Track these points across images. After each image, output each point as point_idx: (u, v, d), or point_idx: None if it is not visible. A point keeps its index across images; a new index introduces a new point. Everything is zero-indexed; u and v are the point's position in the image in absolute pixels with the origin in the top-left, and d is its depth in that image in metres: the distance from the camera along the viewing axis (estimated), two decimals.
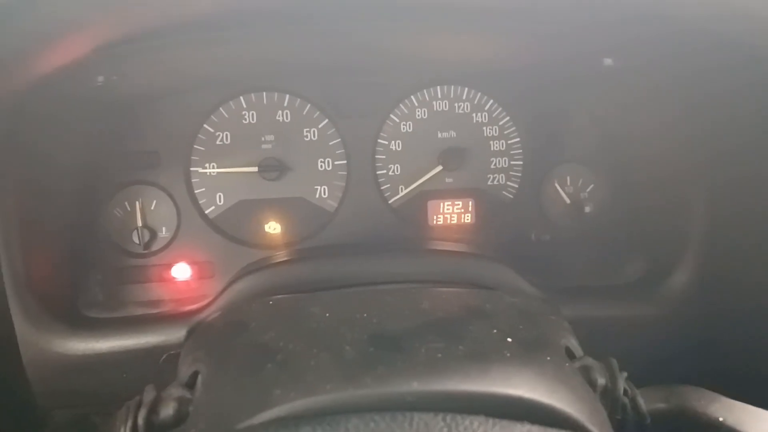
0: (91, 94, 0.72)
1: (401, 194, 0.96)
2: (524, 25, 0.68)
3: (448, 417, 0.41)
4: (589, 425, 0.46)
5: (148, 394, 0.53)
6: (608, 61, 0.72)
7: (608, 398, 0.54)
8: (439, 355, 0.48)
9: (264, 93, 0.92)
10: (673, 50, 0.65)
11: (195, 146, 0.91)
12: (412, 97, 0.95)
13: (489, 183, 0.97)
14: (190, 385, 0.54)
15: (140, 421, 0.51)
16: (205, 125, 0.91)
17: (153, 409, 0.52)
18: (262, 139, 0.92)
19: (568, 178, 0.96)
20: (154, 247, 0.90)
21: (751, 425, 0.50)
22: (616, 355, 0.57)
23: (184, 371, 0.56)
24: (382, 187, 0.96)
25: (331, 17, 0.74)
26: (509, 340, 0.52)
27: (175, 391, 0.53)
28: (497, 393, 0.44)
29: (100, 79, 0.68)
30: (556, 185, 0.96)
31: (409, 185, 0.96)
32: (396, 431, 0.39)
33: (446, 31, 0.75)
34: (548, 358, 0.51)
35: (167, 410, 0.51)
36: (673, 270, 0.81)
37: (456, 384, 0.45)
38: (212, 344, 0.57)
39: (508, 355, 0.49)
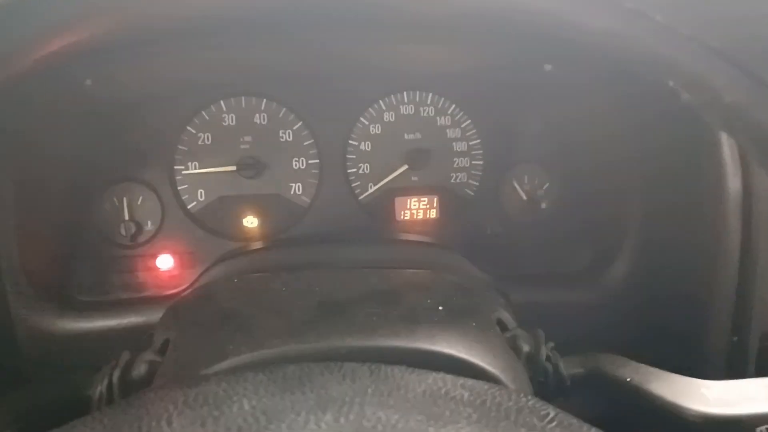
0: (81, 96, 0.80)
1: (370, 191, 1.03)
2: (472, 35, 0.75)
3: (373, 366, 0.47)
4: (502, 377, 0.53)
5: (123, 358, 0.60)
6: (548, 67, 0.79)
7: (532, 363, 0.61)
8: (374, 318, 0.55)
9: (243, 97, 0.99)
10: (595, 59, 0.72)
11: (179, 146, 0.98)
12: (380, 101, 1.02)
13: (452, 181, 1.04)
14: (162, 351, 0.61)
15: (114, 379, 0.58)
16: (187, 127, 0.98)
17: (126, 370, 0.59)
18: (241, 139, 1.00)
19: (526, 177, 1.03)
20: (140, 239, 0.97)
21: (653, 383, 0.57)
22: (560, 336, 0.64)
23: (157, 340, 0.63)
24: (353, 185, 1.03)
25: (306, 29, 0.82)
26: (440, 308, 0.59)
27: (147, 355, 0.60)
28: (419, 348, 0.51)
29: (89, 82, 0.76)
30: (514, 183, 1.03)
31: (378, 183, 1.03)
32: (326, 376, 0.45)
33: (408, 40, 0.83)
34: (474, 324, 0.58)
35: (139, 371, 0.58)
36: (613, 260, 0.88)
37: (384, 341, 0.52)
38: (181, 315, 0.65)
39: (436, 319, 0.56)
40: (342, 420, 0.39)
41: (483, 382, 0.47)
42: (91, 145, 0.92)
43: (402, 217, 1.04)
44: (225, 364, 0.50)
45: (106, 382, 0.58)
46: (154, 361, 0.59)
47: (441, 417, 0.40)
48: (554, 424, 0.43)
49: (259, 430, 0.37)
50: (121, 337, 0.85)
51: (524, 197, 1.02)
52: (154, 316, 0.84)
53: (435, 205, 1.04)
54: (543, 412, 0.44)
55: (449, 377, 0.47)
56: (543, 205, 1.02)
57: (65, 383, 0.61)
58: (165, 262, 0.98)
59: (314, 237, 0.98)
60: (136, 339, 0.80)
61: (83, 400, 0.59)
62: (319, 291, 0.62)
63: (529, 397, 0.46)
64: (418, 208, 1.04)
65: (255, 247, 0.92)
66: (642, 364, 0.60)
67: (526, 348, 0.61)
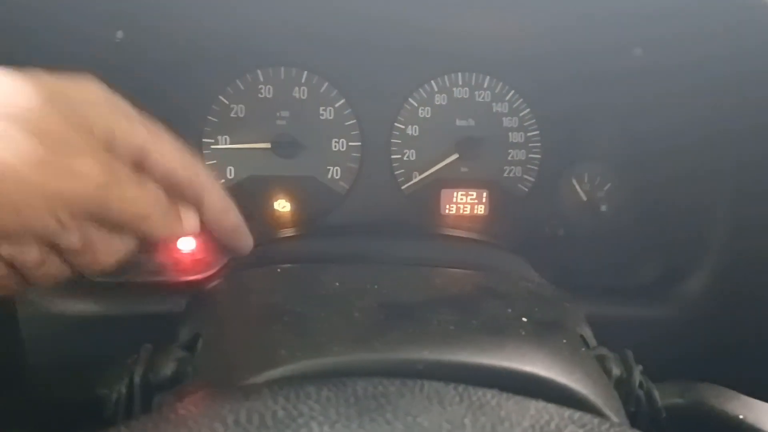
0: (109, 49, 0.71)
1: (415, 180, 0.94)
2: (557, 7, 0.66)
3: (461, 387, 0.39)
4: (605, 409, 0.44)
5: (145, 353, 0.51)
6: (638, 51, 0.70)
7: (623, 390, 0.52)
8: (452, 327, 0.46)
9: (282, 68, 0.90)
10: (705, 41, 0.63)
11: (209, 117, 0.90)
12: (432, 82, 0.93)
13: (505, 175, 0.95)
14: (190, 348, 0.52)
15: (137, 378, 0.49)
16: (220, 97, 0.90)
17: (150, 368, 0.50)
18: (277, 114, 0.91)
19: (586, 175, 0.94)
20: None
21: None
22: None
23: (184, 333, 0.55)
24: (396, 172, 0.94)
25: None
26: (524, 319, 0.50)
27: (175, 351, 0.51)
28: (511, 368, 0.43)
29: (120, 34, 0.67)
30: (573, 182, 0.94)
31: (424, 172, 0.94)
32: (408, 397, 0.37)
33: (474, 9, 0.74)
34: (564, 341, 0.49)
35: (165, 369, 0.49)
36: (689, 274, 0.79)
37: (469, 356, 0.43)
38: (215, 306, 0.56)
39: (523, 333, 0.47)
40: None
41: (591, 416, 0.39)
42: None
43: (447, 210, 0.95)
44: (277, 373, 0.41)
45: (126, 381, 0.49)
46: (183, 359, 0.50)
47: None
48: None
49: None
50: (134, 325, 0.77)
51: (584, 198, 0.93)
52: (171, 303, 0.75)
53: (484, 200, 0.95)
54: None
55: (552, 408, 0.38)
56: (603, 208, 0.93)
57: (75, 379, 0.52)
58: (186, 243, 0.89)
59: (354, 227, 0.89)
60: (152, 329, 0.72)
61: (97, 400, 0.51)
62: (378, 289, 0.53)
63: None
64: (465, 203, 0.95)
65: (288, 234, 0.83)
66: (756, 400, 0.51)
67: (616, 372, 0.53)
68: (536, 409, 0.38)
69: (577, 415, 0.38)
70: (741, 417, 0.49)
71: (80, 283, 0.79)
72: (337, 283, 0.54)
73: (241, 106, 0.90)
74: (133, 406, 0.49)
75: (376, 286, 0.53)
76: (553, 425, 0.36)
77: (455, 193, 0.95)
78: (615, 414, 0.45)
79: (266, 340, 0.45)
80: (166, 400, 0.47)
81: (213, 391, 0.40)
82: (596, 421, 0.38)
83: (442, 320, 0.47)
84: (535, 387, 0.42)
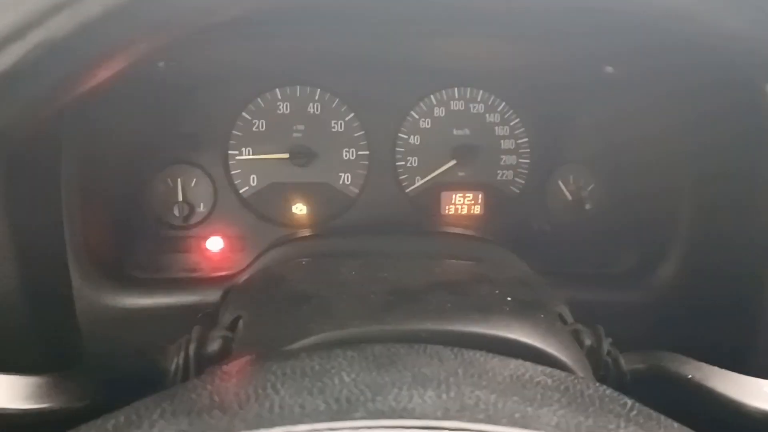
0: (152, 78, 0.82)
1: (417, 184, 1.05)
2: (532, 31, 0.77)
3: (455, 349, 0.49)
4: (573, 368, 0.54)
5: (196, 332, 0.62)
6: (609, 69, 0.80)
7: (593, 357, 0.62)
8: (449, 305, 0.57)
9: (297, 87, 1.01)
10: (668, 59, 0.73)
11: (233, 132, 1.01)
12: (431, 96, 1.04)
13: (498, 178, 1.06)
14: (232, 329, 0.63)
15: (191, 353, 0.60)
16: (243, 113, 1.01)
17: (201, 345, 0.61)
18: (294, 128, 1.02)
19: (571, 177, 1.04)
20: (193, 221, 1.00)
21: (716, 381, 0.58)
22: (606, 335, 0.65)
23: (226, 317, 0.65)
24: (400, 177, 1.05)
25: (364, 20, 0.83)
26: (509, 299, 0.60)
27: (220, 331, 0.62)
28: (496, 335, 0.53)
29: (161, 64, 0.78)
30: (560, 183, 1.04)
31: (425, 176, 1.05)
32: (414, 356, 0.47)
33: (464, 34, 0.84)
34: (542, 316, 0.59)
35: (213, 345, 0.60)
36: (661, 261, 0.89)
37: (462, 326, 0.53)
38: (253, 293, 0.66)
39: (508, 309, 0.58)
40: (444, 396, 0.40)
41: (560, 371, 0.49)
42: (152, 127, 0.94)
43: (447, 211, 1.06)
44: (308, 341, 0.52)
45: (182, 355, 0.60)
46: (227, 337, 0.61)
47: (534, 400, 0.42)
48: (635, 412, 0.44)
49: (366, 401, 0.39)
50: (172, 314, 0.87)
51: (569, 197, 1.04)
52: (205, 295, 0.86)
53: (480, 201, 1.06)
54: (622, 401, 0.46)
55: (528, 364, 0.49)
56: (587, 206, 1.04)
57: (138, 357, 0.63)
58: (215, 244, 1.00)
59: (364, 227, 0.99)
60: (192, 317, 0.83)
61: (157, 373, 0.61)
62: (387, 278, 0.63)
63: (605, 387, 0.48)
64: (463, 203, 1.06)
65: (304, 234, 0.93)
66: (703, 363, 0.61)
67: (588, 342, 0.63)
68: (515, 365, 0.48)
69: (548, 369, 0.48)
70: (690, 377, 0.59)
71: (127, 279, 0.90)
72: (353, 273, 0.64)
73: (261, 121, 1.01)
74: (189, 376, 0.60)
75: (385, 275, 0.64)
76: (528, 375, 0.46)
77: (454, 195, 1.05)
78: (582, 372, 0.55)
79: (299, 317, 0.55)
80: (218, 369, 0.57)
81: (259, 356, 0.51)
82: (564, 374, 0.48)
83: (441, 300, 0.58)
84: (514, 350, 0.52)
